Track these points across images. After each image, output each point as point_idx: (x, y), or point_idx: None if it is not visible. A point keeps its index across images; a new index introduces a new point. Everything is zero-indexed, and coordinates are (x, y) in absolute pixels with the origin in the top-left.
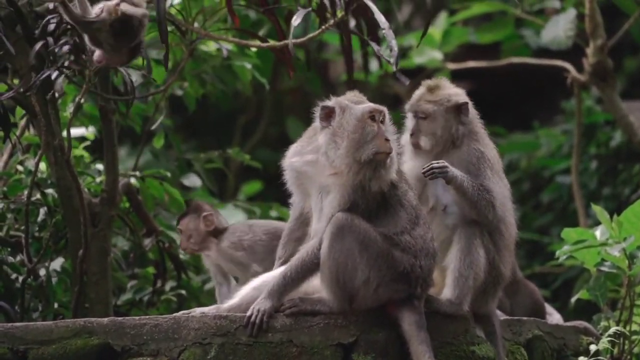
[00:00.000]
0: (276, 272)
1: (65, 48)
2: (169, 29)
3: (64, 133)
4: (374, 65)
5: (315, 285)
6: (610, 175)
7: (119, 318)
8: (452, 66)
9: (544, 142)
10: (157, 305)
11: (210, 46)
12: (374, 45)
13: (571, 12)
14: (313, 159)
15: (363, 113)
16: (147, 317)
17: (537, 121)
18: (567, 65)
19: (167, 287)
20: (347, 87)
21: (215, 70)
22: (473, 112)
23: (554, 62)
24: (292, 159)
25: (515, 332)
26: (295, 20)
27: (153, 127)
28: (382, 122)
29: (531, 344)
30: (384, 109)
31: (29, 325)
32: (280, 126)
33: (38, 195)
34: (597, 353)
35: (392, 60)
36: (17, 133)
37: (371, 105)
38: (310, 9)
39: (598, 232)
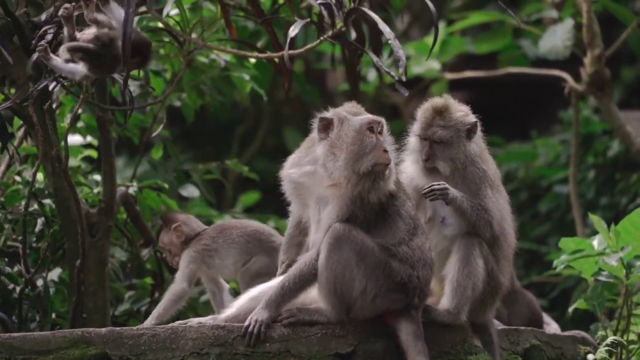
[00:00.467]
0: (274, 282)
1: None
2: (167, 39)
3: (62, 143)
4: (371, 74)
5: (313, 296)
6: (608, 184)
7: (117, 328)
8: (449, 76)
9: (542, 152)
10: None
11: (209, 57)
12: (373, 56)
13: (569, 22)
14: (311, 170)
15: (361, 125)
16: (145, 327)
17: (535, 131)
18: (565, 75)
19: None
20: (347, 98)
21: (213, 81)
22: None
23: (552, 72)
24: (290, 170)
25: (513, 341)
26: (293, 31)
27: (151, 138)
28: (381, 133)
29: (529, 354)
30: (382, 119)
31: (27, 335)
32: (278, 137)
33: (35, 206)
34: None
35: (400, 70)
36: (15, 143)
37: (369, 116)
38: (308, 19)
39: (595, 242)
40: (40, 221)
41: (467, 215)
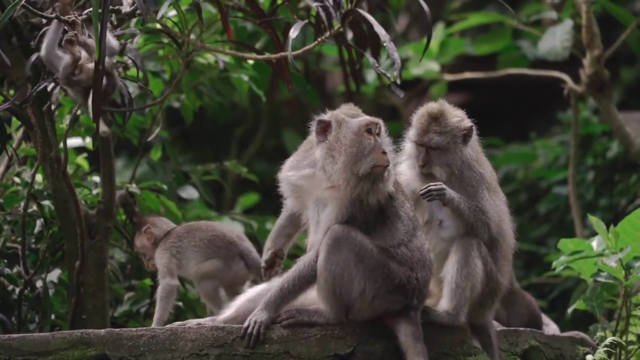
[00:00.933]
0: (273, 283)
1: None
2: (165, 40)
3: (61, 145)
4: (370, 76)
5: (312, 297)
6: (607, 186)
7: (116, 329)
8: (449, 77)
9: (541, 153)
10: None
11: (207, 58)
12: (370, 58)
13: (568, 23)
14: (310, 173)
15: (359, 127)
16: (144, 328)
17: (534, 132)
18: (564, 76)
19: None
20: (345, 99)
21: (212, 82)
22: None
23: (551, 73)
24: (289, 172)
25: (512, 342)
26: (293, 33)
27: (150, 139)
28: (379, 134)
29: (528, 355)
30: (380, 121)
31: (26, 336)
32: (277, 138)
33: (35, 207)
34: None
35: (395, 72)
36: (14, 145)
37: (367, 118)
38: (307, 21)
39: (595, 243)
40: (39, 222)
41: (465, 217)
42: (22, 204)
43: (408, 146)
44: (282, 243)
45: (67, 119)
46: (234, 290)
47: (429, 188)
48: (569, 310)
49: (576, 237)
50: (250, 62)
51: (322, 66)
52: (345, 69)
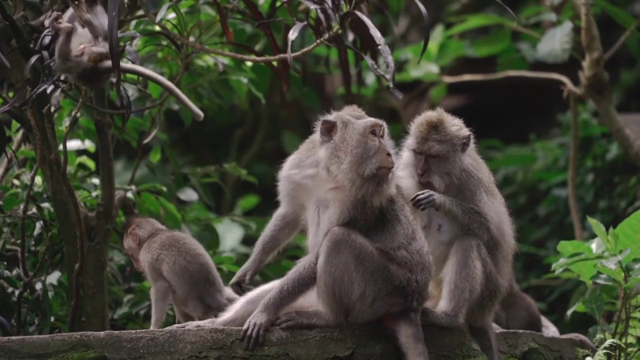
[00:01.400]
0: (272, 285)
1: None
2: (164, 43)
3: (60, 147)
4: (370, 78)
5: (311, 299)
6: (607, 188)
7: (116, 332)
8: (448, 79)
9: (540, 155)
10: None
11: (207, 60)
12: (368, 60)
13: (567, 25)
14: (313, 173)
15: (365, 128)
16: (144, 330)
17: (534, 134)
18: (564, 79)
19: None
20: (344, 101)
21: (211, 84)
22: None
23: (550, 75)
24: (291, 171)
25: (512, 344)
26: (292, 35)
27: (148, 141)
28: (382, 136)
29: (527, 357)
30: (384, 123)
31: (26, 338)
32: (276, 140)
33: (34, 209)
34: None
35: (388, 76)
36: (13, 147)
37: (372, 119)
38: (306, 22)
39: (594, 245)
40: (38, 225)
41: (459, 219)
42: (22, 206)
43: (406, 155)
44: (260, 262)
45: (66, 122)
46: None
47: (416, 198)
48: (569, 312)
49: (575, 240)
50: (249, 64)
51: (320, 68)
52: (346, 71)
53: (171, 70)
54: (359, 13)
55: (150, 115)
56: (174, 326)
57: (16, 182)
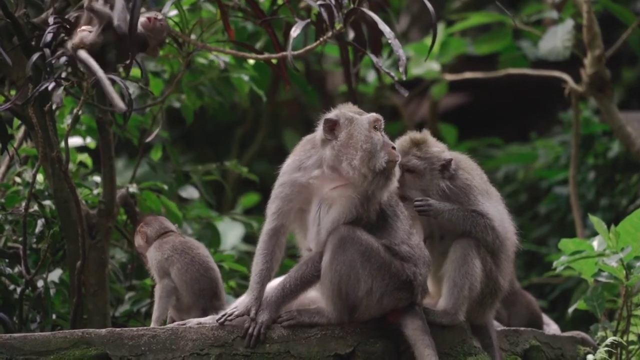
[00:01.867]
0: (273, 283)
1: (63, 59)
2: (166, 40)
3: (62, 144)
4: (371, 76)
5: (311, 297)
6: (608, 186)
7: (117, 329)
8: (449, 77)
9: (542, 153)
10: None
11: (208, 58)
12: (372, 57)
13: (569, 23)
14: (319, 174)
15: (369, 123)
16: (145, 328)
17: (535, 132)
18: (565, 76)
19: None
20: (346, 99)
21: (212, 82)
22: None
23: (552, 73)
24: (295, 174)
25: (513, 342)
26: (295, 32)
27: (150, 139)
28: (382, 130)
29: (528, 355)
30: (381, 117)
31: (27, 336)
32: (277, 138)
33: (36, 207)
34: None
35: (400, 69)
36: (15, 145)
37: (374, 114)
38: (308, 20)
39: (595, 243)
40: (40, 222)
41: (461, 225)
42: (23, 203)
43: None
44: (261, 297)
45: (68, 119)
46: None
47: (415, 204)
48: (570, 310)
49: (577, 237)
50: (251, 62)
51: (323, 66)
52: (347, 68)
53: (172, 68)
54: (366, 10)
55: (152, 113)
56: (175, 324)
57: (18, 179)
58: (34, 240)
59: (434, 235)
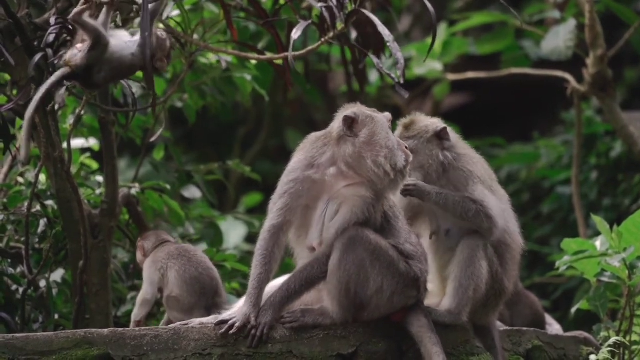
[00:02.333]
0: (276, 283)
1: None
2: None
3: (64, 145)
4: (374, 76)
5: (313, 296)
6: (611, 185)
7: (120, 329)
8: (451, 77)
9: (544, 153)
10: (157, 316)
11: (210, 58)
12: (373, 58)
13: (571, 23)
14: (335, 172)
15: (387, 122)
16: (148, 328)
17: (537, 132)
18: (567, 76)
19: None
20: (348, 99)
21: (215, 82)
22: (455, 137)
23: (554, 73)
24: (308, 171)
25: (515, 342)
26: (296, 33)
27: (153, 139)
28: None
29: (531, 355)
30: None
31: (30, 336)
32: (279, 138)
33: (38, 207)
34: None
35: (398, 72)
36: (17, 145)
37: (387, 114)
38: (310, 21)
39: (598, 243)
40: (42, 222)
41: (451, 209)
42: (26, 203)
43: None
44: (260, 302)
45: (70, 119)
46: None
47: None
48: (573, 310)
49: (579, 237)
50: (253, 62)
51: (324, 66)
52: (348, 69)
53: (175, 68)
54: (365, 11)
55: (154, 113)
56: (178, 324)
57: (20, 179)
58: (37, 240)
59: (440, 230)
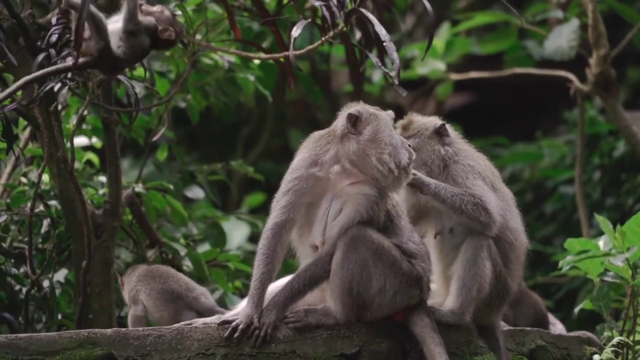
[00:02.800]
0: (279, 283)
1: (68, 60)
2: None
3: (67, 145)
4: (376, 75)
5: (316, 296)
6: (614, 185)
7: (123, 329)
8: (454, 77)
9: (547, 153)
10: None
11: (213, 58)
12: (373, 57)
13: (574, 23)
14: (339, 169)
15: (390, 119)
16: (151, 328)
17: (540, 131)
18: (570, 76)
19: None
20: (351, 98)
21: (218, 82)
22: (454, 133)
23: (557, 73)
24: (312, 168)
25: (519, 342)
26: (295, 32)
27: (155, 139)
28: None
29: (534, 355)
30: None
31: (33, 336)
32: (282, 138)
33: (41, 207)
34: None
35: (394, 72)
36: (20, 145)
37: (390, 112)
38: (309, 20)
39: (601, 243)
40: (46, 222)
41: (448, 202)
42: (29, 204)
43: None
44: (262, 303)
45: (73, 119)
46: None
47: None
48: (576, 310)
49: (583, 237)
50: (256, 62)
51: (323, 65)
52: (352, 68)
53: (178, 68)
54: (363, 10)
55: (157, 113)
56: (181, 323)
57: (23, 179)
58: (40, 240)
59: (444, 228)
